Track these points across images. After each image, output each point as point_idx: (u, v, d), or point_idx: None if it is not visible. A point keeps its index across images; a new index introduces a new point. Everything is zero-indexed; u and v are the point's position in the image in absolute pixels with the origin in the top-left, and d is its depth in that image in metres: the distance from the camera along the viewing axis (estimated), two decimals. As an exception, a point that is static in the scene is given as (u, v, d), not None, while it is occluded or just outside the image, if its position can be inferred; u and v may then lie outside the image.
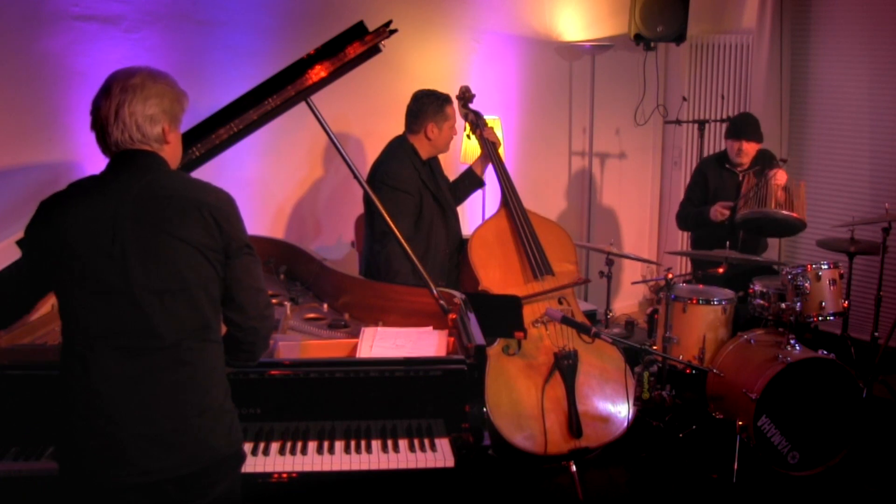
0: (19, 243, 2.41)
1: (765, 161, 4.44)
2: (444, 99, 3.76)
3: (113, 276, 1.79)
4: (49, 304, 2.71)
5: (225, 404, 1.92)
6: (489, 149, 3.93)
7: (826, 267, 3.81)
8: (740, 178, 4.40)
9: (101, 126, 1.87)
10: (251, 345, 1.97)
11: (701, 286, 4.12)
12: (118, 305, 1.79)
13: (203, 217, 1.84)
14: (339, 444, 2.35)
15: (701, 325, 3.82)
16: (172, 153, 1.96)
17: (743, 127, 4.39)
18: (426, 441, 2.37)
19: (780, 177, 4.14)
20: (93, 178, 1.90)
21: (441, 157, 3.95)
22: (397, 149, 3.75)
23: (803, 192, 4.13)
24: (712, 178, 4.50)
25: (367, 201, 2.95)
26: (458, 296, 2.78)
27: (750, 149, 4.37)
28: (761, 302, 3.88)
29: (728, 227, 4.27)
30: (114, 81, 1.87)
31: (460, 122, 3.97)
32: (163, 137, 1.90)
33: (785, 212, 4.06)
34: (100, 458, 1.79)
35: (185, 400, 1.83)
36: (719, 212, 4.33)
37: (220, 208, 1.88)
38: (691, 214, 4.55)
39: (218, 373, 1.91)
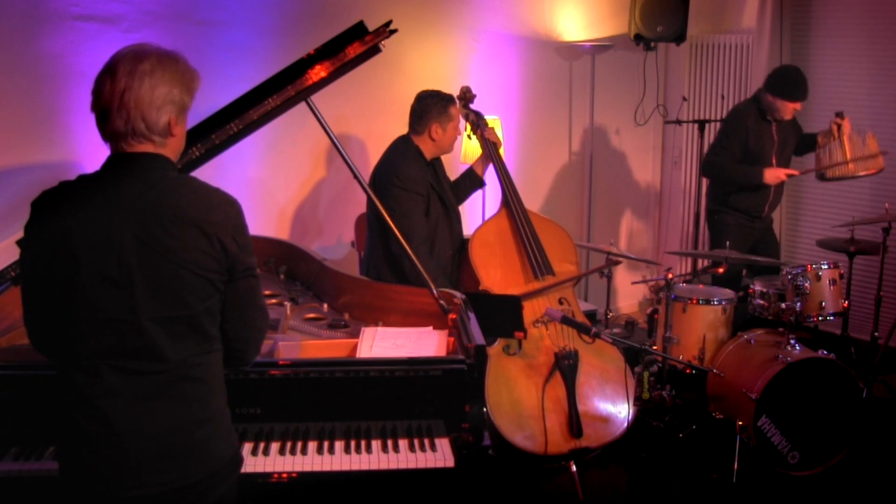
0: (19, 243, 2.39)
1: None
2: (448, 99, 3.75)
3: (118, 305, 1.73)
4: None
5: (224, 409, 1.91)
6: (490, 149, 3.93)
7: (826, 267, 3.82)
8: (773, 130, 4.43)
9: (101, 110, 1.76)
10: (242, 352, 1.95)
11: (701, 286, 4.13)
12: (122, 331, 1.74)
13: (209, 239, 1.76)
14: (339, 444, 2.35)
15: (701, 325, 3.82)
16: (177, 147, 1.86)
17: (803, 89, 4.35)
18: (426, 441, 2.37)
19: (847, 125, 4.30)
20: (88, 179, 1.81)
21: (442, 157, 3.95)
22: (404, 150, 3.75)
23: (872, 139, 4.31)
24: (753, 130, 4.43)
25: (374, 204, 2.94)
26: (458, 296, 2.78)
27: (799, 105, 4.39)
28: (761, 302, 3.89)
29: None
30: (120, 63, 1.74)
31: (463, 123, 3.97)
32: (168, 130, 1.79)
33: (863, 172, 4.32)
34: (104, 474, 1.76)
35: (190, 413, 1.81)
36: (779, 177, 4.37)
37: (226, 226, 1.79)
38: (733, 169, 4.46)
39: (218, 379, 1.89)
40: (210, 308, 1.81)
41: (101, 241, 1.72)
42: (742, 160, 4.45)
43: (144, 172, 1.77)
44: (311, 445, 2.34)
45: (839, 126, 4.31)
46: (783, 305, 3.68)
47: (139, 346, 1.75)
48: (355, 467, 2.28)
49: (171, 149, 1.84)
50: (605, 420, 3.53)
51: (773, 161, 4.42)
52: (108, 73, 1.75)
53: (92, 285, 1.72)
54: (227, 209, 1.82)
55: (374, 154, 3.86)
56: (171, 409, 1.79)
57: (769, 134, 4.44)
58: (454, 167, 4.59)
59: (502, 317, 3.16)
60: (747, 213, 4.49)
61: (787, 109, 4.36)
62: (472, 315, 2.63)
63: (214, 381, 1.87)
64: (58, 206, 1.78)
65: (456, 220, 3.87)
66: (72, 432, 1.79)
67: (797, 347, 3.61)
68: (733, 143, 4.47)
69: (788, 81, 4.36)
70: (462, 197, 4.05)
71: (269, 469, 2.26)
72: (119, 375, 1.76)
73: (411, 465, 2.30)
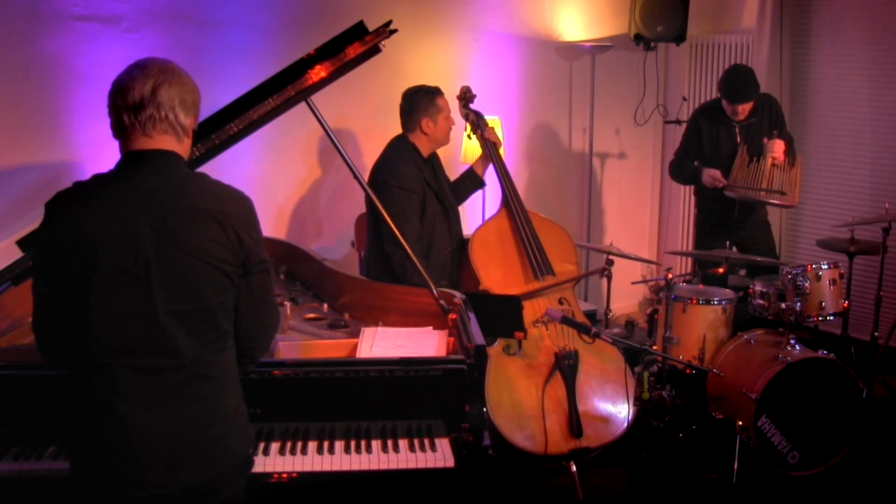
0: (23, 245, 2.39)
1: (763, 109, 4.41)
2: (433, 92, 3.76)
3: (135, 299, 1.74)
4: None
5: (239, 407, 1.92)
6: (490, 149, 3.93)
7: (826, 267, 3.81)
8: (737, 131, 4.38)
9: (129, 105, 1.79)
10: (252, 350, 1.97)
11: (701, 286, 4.13)
12: (138, 327, 1.75)
13: (225, 231, 1.80)
14: (339, 445, 2.35)
15: (701, 325, 3.82)
16: (188, 150, 1.92)
17: (737, 91, 4.29)
18: (426, 441, 2.37)
19: (777, 150, 4.18)
20: (103, 177, 1.82)
21: (441, 157, 3.95)
22: (399, 148, 3.76)
23: (799, 170, 4.21)
24: (706, 130, 4.46)
25: (371, 203, 2.95)
26: (459, 296, 2.78)
27: (746, 107, 4.33)
28: (761, 302, 3.89)
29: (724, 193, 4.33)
30: (149, 63, 1.82)
31: (457, 111, 3.98)
32: (188, 129, 1.87)
33: (775, 201, 4.22)
34: (117, 474, 1.77)
35: (203, 411, 1.82)
36: (710, 182, 4.35)
37: (241, 219, 1.84)
38: (687, 169, 4.54)
39: (231, 376, 1.90)
40: (225, 302, 1.83)
41: (119, 235, 1.74)
42: (703, 161, 4.47)
43: (159, 168, 1.81)
44: (311, 445, 2.34)
45: (764, 146, 4.22)
46: (783, 305, 3.68)
47: (155, 341, 1.76)
48: (355, 467, 2.28)
49: (185, 149, 1.90)
50: (605, 420, 3.53)
51: (735, 163, 4.35)
52: (139, 71, 1.81)
53: (110, 280, 1.74)
54: (240, 203, 1.88)
55: (374, 154, 3.86)
56: (185, 409, 1.80)
57: (729, 135, 4.41)
58: (454, 167, 4.59)
59: (502, 317, 3.16)
60: (719, 217, 4.50)
61: (729, 109, 4.35)
62: (472, 315, 2.63)
63: (228, 379, 1.89)
64: (73, 205, 1.80)
65: (455, 219, 3.87)
66: (84, 433, 1.79)
67: (797, 347, 3.61)
68: (687, 142, 4.55)
69: (728, 82, 4.35)
70: (462, 197, 4.05)
71: (269, 469, 2.26)
72: (133, 376, 1.77)
73: (411, 465, 2.30)
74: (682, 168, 4.58)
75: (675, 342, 3.79)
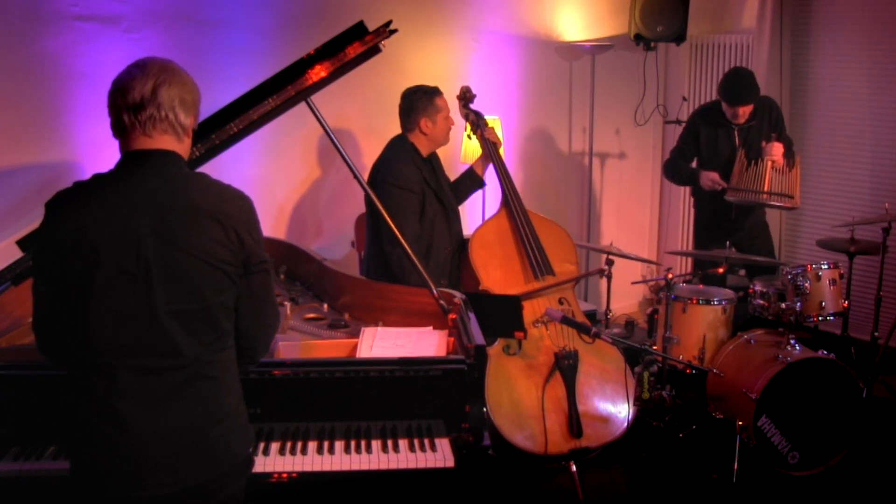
0: (22, 244, 2.39)
1: (763, 112, 4.38)
2: (432, 92, 3.76)
3: (136, 299, 1.74)
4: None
5: (239, 407, 1.92)
6: (490, 149, 3.94)
7: (826, 267, 3.82)
8: (735, 134, 4.36)
9: (129, 105, 1.79)
10: (252, 350, 1.97)
11: (701, 286, 4.13)
12: (139, 327, 1.75)
13: (225, 231, 1.80)
14: (339, 444, 2.35)
15: (701, 325, 3.82)
16: (188, 150, 1.92)
17: (737, 94, 4.27)
18: (426, 441, 2.37)
19: (775, 152, 4.17)
20: (103, 177, 1.82)
21: (441, 157, 3.95)
22: (398, 148, 3.76)
23: (798, 169, 4.20)
24: (704, 132, 4.45)
25: (370, 203, 2.95)
26: (458, 296, 2.79)
27: (746, 110, 4.31)
28: (761, 302, 3.89)
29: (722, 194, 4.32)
30: (149, 63, 1.82)
31: (457, 111, 3.98)
32: (188, 129, 1.87)
33: (777, 203, 4.20)
34: (118, 474, 1.77)
35: (203, 412, 1.82)
36: (709, 185, 4.33)
37: (241, 219, 1.84)
38: (682, 169, 4.53)
39: (231, 376, 1.90)
40: (225, 302, 1.83)
41: (120, 235, 1.74)
42: (700, 162, 4.47)
43: (159, 168, 1.81)
44: (311, 445, 2.34)
45: (763, 149, 4.20)
46: (783, 305, 3.68)
47: (155, 341, 1.76)
48: (355, 467, 2.28)
49: (185, 149, 1.90)
50: (605, 420, 3.53)
51: (735, 167, 4.32)
52: (139, 70, 1.81)
53: (110, 280, 1.74)
54: (240, 203, 1.88)
55: (374, 154, 3.86)
56: (185, 409, 1.80)
57: (728, 138, 4.40)
58: (454, 167, 4.59)
59: (502, 317, 3.16)
60: (717, 219, 4.49)
61: (729, 112, 4.34)
62: (472, 315, 2.63)
63: (228, 379, 1.89)
64: (74, 204, 1.80)
65: (455, 218, 3.87)
66: (84, 433, 1.79)
67: (797, 347, 3.61)
68: (683, 143, 4.54)
69: (728, 84, 4.32)
70: (462, 197, 4.05)
71: (269, 469, 2.26)
72: (134, 376, 1.77)
73: (411, 465, 2.30)
74: (677, 168, 4.57)
75: (675, 342, 3.79)
